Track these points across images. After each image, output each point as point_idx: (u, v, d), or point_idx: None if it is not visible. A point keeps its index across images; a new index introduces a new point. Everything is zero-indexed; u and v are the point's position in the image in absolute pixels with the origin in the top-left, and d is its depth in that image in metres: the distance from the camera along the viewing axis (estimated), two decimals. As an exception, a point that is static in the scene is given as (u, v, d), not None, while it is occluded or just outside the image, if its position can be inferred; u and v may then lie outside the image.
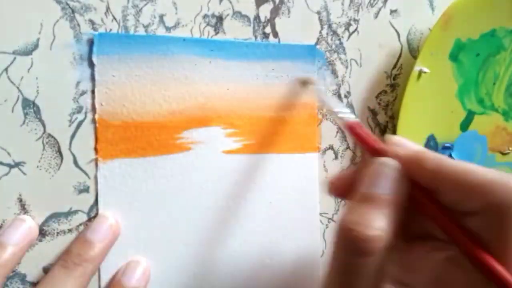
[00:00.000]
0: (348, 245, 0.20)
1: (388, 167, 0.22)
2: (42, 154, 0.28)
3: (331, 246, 0.21)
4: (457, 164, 0.21)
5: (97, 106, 0.29)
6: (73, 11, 0.28)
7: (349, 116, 0.27)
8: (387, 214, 0.21)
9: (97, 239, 0.27)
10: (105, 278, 0.29)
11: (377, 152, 0.24)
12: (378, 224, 0.20)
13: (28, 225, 0.27)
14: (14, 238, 0.26)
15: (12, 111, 0.27)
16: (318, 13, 0.35)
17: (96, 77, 0.28)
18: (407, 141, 0.24)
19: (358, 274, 0.20)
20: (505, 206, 0.19)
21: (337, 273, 0.21)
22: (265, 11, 0.33)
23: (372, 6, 0.36)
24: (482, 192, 0.20)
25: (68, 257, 0.27)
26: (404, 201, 0.22)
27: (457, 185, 0.21)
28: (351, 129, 0.26)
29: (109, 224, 0.28)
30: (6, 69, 0.27)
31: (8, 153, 0.27)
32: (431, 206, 0.22)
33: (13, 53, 0.27)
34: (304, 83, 0.33)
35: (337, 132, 0.36)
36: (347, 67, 0.36)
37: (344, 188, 0.25)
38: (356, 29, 0.36)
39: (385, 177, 0.22)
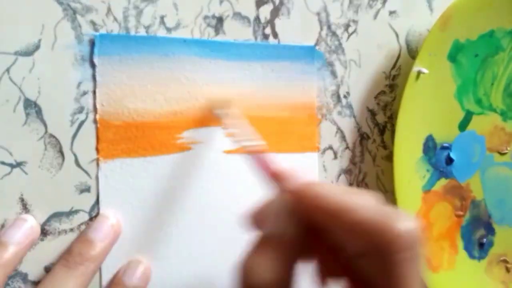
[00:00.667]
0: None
1: (274, 203, 0.21)
2: (44, 154, 0.28)
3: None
4: (339, 200, 0.19)
5: (98, 106, 0.29)
6: (74, 12, 0.28)
7: (254, 144, 0.26)
8: (274, 255, 0.20)
9: (98, 238, 0.28)
10: (106, 277, 0.29)
11: (277, 183, 0.23)
12: (264, 267, 0.19)
13: (30, 225, 0.27)
14: (16, 238, 0.26)
15: (14, 111, 0.27)
16: (318, 14, 0.35)
17: (97, 77, 0.29)
18: (296, 174, 0.22)
19: None
20: (383, 249, 0.18)
21: None
22: (265, 12, 0.33)
23: (371, 7, 0.37)
24: (360, 233, 0.19)
25: (69, 256, 0.27)
26: (294, 239, 0.20)
27: (337, 225, 0.19)
28: (255, 158, 0.26)
29: (110, 223, 0.28)
30: (7, 70, 0.27)
31: (10, 153, 0.27)
32: (317, 246, 0.21)
33: (15, 53, 0.27)
34: (217, 106, 0.31)
35: (336, 132, 0.36)
36: (346, 68, 0.36)
37: (258, 222, 0.24)
38: (355, 30, 0.36)
39: (270, 216, 0.21)
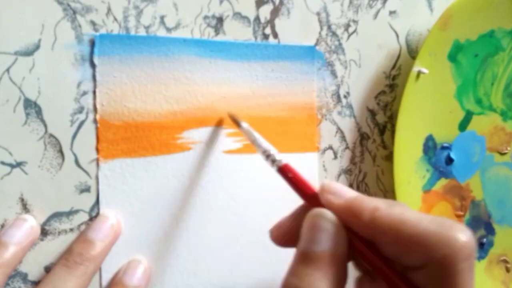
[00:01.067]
0: None
1: (324, 220, 0.21)
2: (44, 154, 0.28)
3: None
4: (394, 214, 0.19)
5: (98, 106, 0.29)
6: (74, 12, 0.28)
7: (279, 158, 0.26)
8: (328, 273, 0.19)
9: (98, 238, 0.28)
10: (106, 277, 0.29)
11: (311, 200, 0.23)
12: (318, 285, 0.19)
13: (30, 225, 0.27)
14: (16, 238, 0.26)
15: (14, 111, 0.27)
16: (318, 14, 0.35)
17: (97, 77, 0.29)
18: (341, 187, 0.22)
19: None
20: (446, 261, 0.18)
21: None
22: (265, 12, 0.33)
23: (371, 7, 0.37)
24: (420, 246, 0.18)
25: (69, 256, 0.27)
26: (345, 255, 0.20)
27: (394, 239, 0.19)
28: (282, 172, 0.25)
29: (110, 223, 0.28)
30: (7, 70, 0.27)
31: (10, 153, 0.27)
32: (372, 258, 0.20)
33: (15, 53, 0.27)
34: (235, 121, 0.31)
35: (336, 132, 0.36)
36: (346, 68, 0.36)
37: (284, 237, 0.24)
38: (355, 30, 0.36)
39: (322, 232, 0.20)
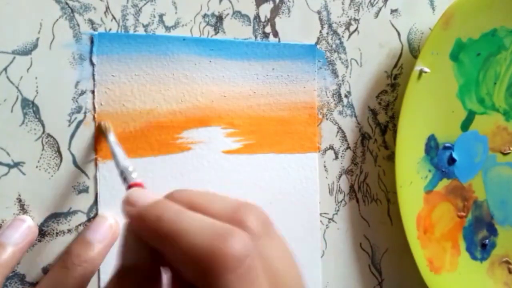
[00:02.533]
0: None
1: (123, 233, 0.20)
2: (42, 154, 0.28)
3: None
4: (173, 224, 0.18)
5: (96, 106, 0.28)
6: (72, 11, 0.28)
7: (131, 177, 0.24)
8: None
9: (97, 239, 0.27)
10: (105, 278, 0.29)
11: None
12: None
13: (28, 225, 0.27)
14: (14, 238, 0.26)
15: (11, 111, 0.27)
16: (318, 12, 0.34)
17: (96, 77, 0.28)
18: (141, 196, 0.21)
19: None
20: (213, 273, 0.17)
21: None
22: (265, 10, 0.33)
23: (372, 5, 0.36)
24: (190, 261, 0.17)
25: (67, 257, 0.27)
26: (150, 267, 0.20)
27: (171, 251, 0.18)
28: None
29: (109, 224, 0.28)
30: (5, 69, 0.27)
31: (7, 153, 0.27)
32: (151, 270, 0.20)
33: (12, 52, 0.27)
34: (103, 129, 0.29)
35: (337, 132, 0.35)
36: (347, 67, 0.36)
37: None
38: (356, 29, 0.36)
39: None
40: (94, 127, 0.29)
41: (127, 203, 0.20)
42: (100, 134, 0.29)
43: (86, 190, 0.29)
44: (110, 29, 0.29)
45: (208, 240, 0.17)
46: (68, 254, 0.27)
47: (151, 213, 0.19)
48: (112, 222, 0.28)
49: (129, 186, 0.24)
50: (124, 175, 0.25)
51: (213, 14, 0.31)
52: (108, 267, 0.29)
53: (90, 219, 0.29)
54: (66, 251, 0.28)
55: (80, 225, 0.28)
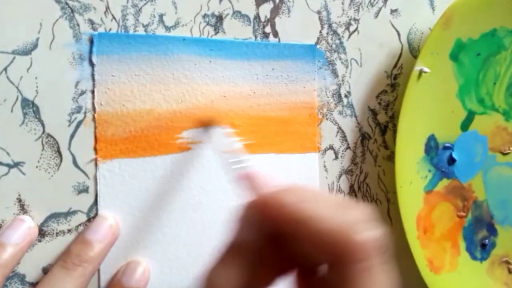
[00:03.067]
0: None
1: (241, 212, 0.21)
2: (42, 154, 0.28)
3: None
4: (302, 210, 0.19)
5: (96, 106, 0.28)
6: (72, 11, 0.28)
7: (245, 166, 0.25)
8: (236, 264, 0.19)
9: (97, 239, 0.27)
10: (105, 278, 0.29)
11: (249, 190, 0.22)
12: (226, 277, 0.19)
13: (28, 225, 0.27)
14: (14, 238, 0.26)
15: (11, 111, 0.27)
16: (318, 12, 0.34)
17: (96, 77, 0.28)
18: (270, 180, 0.22)
19: None
20: (343, 260, 0.18)
21: None
22: (265, 10, 0.33)
23: (372, 5, 0.36)
24: (323, 244, 0.18)
25: (67, 258, 0.27)
26: (258, 248, 0.20)
27: (300, 235, 0.19)
28: (244, 179, 0.24)
29: (109, 224, 0.28)
30: (5, 69, 0.27)
31: (8, 153, 0.27)
32: (272, 256, 0.20)
33: (12, 52, 0.27)
34: (206, 124, 0.31)
35: (337, 132, 0.35)
36: (347, 67, 0.36)
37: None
38: (356, 29, 0.36)
39: (241, 224, 0.21)
40: (94, 127, 0.29)
41: (254, 185, 0.22)
42: (207, 125, 0.30)
43: (86, 190, 0.29)
44: (110, 29, 0.29)
45: (340, 226, 0.18)
46: (68, 254, 0.27)
47: (281, 198, 0.19)
48: (112, 222, 0.28)
49: (243, 174, 0.24)
50: (238, 164, 0.25)
51: (213, 14, 0.31)
52: (108, 267, 0.29)
53: (90, 219, 0.29)
54: (66, 251, 0.28)
55: (80, 225, 0.28)
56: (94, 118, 0.28)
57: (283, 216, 0.19)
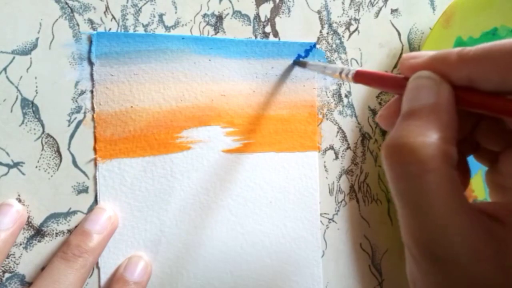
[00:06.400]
0: (397, 160, 0.18)
1: (420, 77, 0.20)
2: (41, 154, 0.28)
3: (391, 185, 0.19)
4: (481, 45, 0.18)
5: (96, 105, 0.28)
6: (72, 11, 0.28)
7: (350, 68, 0.25)
8: (431, 120, 0.18)
9: (96, 230, 0.27)
10: (105, 278, 0.29)
11: (397, 79, 0.22)
12: (424, 132, 0.18)
13: (16, 209, 0.27)
14: (4, 224, 0.26)
15: (11, 110, 0.27)
16: (319, 12, 0.34)
17: (95, 76, 0.28)
18: (421, 52, 0.21)
19: (420, 189, 0.17)
20: None
21: (401, 197, 0.18)
22: (265, 10, 0.33)
23: (372, 5, 0.36)
24: None
25: (67, 249, 0.27)
26: (449, 105, 0.19)
27: (487, 65, 0.18)
28: (360, 76, 0.24)
29: (108, 215, 0.28)
30: (5, 69, 0.27)
31: (7, 153, 0.27)
32: (480, 97, 0.19)
33: (12, 52, 0.27)
34: (301, 64, 0.32)
35: (337, 132, 0.35)
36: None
37: (392, 118, 0.22)
38: (356, 29, 0.36)
39: (421, 89, 0.19)
40: (94, 127, 0.28)
41: (412, 58, 0.21)
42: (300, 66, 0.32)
43: (85, 190, 0.29)
44: (110, 29, 0.29)
45: None
46: (67, 245, 0.27)
47: (452, 49, 0.19)
48: (111, 214, 0.28)
49: (357, 72, 0.24)
50: (344, 70, 0.25)
51: (213, 14, 0.31)
52: (109, 266, 0.29)
53: (89, 219, 0.29)
54: (65, 242, 0.27)
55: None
56: (93, 118, 0.28)
57: (464, 57, 0.18)
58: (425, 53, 0.21)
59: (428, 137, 0.17)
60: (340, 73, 0.26)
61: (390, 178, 0.18)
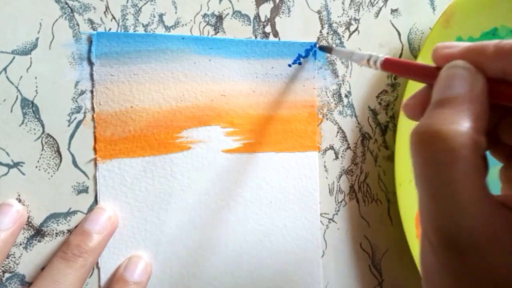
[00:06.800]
0: (427, 147, 0.18)
1: (455, 67, 0.20)
2: (41, 154, 0.28)
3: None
4: None
5: (96, 105, 0.28)
6: (72, 11, 0.28)
7: (378, 55, 0.25)
8: (463, 110, 0.18)
9: (96, 230, 0.27)
10: (105, 278, 0.29)
11: (428, 69, 0.22)
12: (457, 120, 0.17)
13: (16, 209, 0.27)
14: (4, 224, 0.26)
15: (11, 110, 0.27)
16: (319, 12, 0.34)
17: (95, 76, 0.28)
18: (454, 42, 0.21)
19: (447, 177, 0.17)
20: None
21: (427, 184, 0.18)
22: (265, 10, 0.33)
23: (372, 5, 0.36)
24: None
25: (67, 249, 0.27)
26: (482, 95, 0.19)
27: None
28: (389, 63, 0.24)
29: (108, 215, 0.28)
30: (5, 69, 0.27)
31: (7, 153, 0.27)
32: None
33: (12, 52, 0.27)
34: (327, 49, 0.32)
35: (337, 132, 0.35)
36: (347, 67, 0.36)
37: (418, 108, 0.22)
38: (356, 29, 0.36)
39: (455, 78, 0.19)
40: (94, 127, 0.28)
41: (446, 47, 0.21)
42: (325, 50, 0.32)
43: (85, 190, 0.29)
44: (110, 29, 0.29)
45: None
46: (67, 245, 0.27)
47: (489, 42, 0.19)
48: (111, 214, 0.28)
49: (383, 62, 0.25)
50: (372, 59, 0.26)
51: (213, 14, 0.31)
52: (109, 266, 0.29)
53: (89, 219, 0.29)
54: (65, 242, 0.27)
55: (79, 225, 0.28)
56: (93, 118, 0.28)
57: (501, 49, 0.18)
58: (461, 44, 0.21)
59: (461, 126, 0.17)
60: (368, 60, 0.26)
61: (418, 164, 0.18)
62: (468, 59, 0.20)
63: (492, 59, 0.19)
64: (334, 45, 0.33)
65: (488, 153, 0.23)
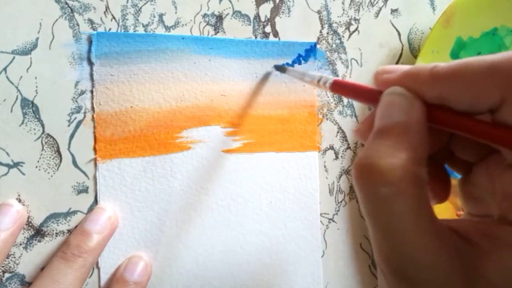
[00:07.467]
0: (366, 182, 0.17)
1: (392, 94, 0.19)
2: (41, 154, 0.28)
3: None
4: (454, 63, 0.18)
5: (95, 105, 0.28)
6: (72, 11, 0.28)
7: (328, 77, 0.25)
8: (401, 140, 0.18)
9: (96, 230, 0.27)
10: (105, 278, 0.29)
11: (372, 92, 0.21)
12: (394, 153, 0.17)
13: (16, 209, 0.27)
14: (4, 224, 0.26)
15: (11, 110, 0.27)
16: (319, 12, 0.34)
17: (95, 76, 0.28)
18: (396, 66, 0.21)
19: (389, 211, 0.17)
20: None
21: (371, 218, 0.18)
22: (265, 10, 0.33)
23: (372, 5, 0.36)
24: (493, 77, 0.17)
25: (67, 249, 0.27)
26: (420, 123, 0.19)
27: (462, 83, 0.18)
28: (337, 85, 0.24)
29: (108, 215, 0.28)
30: (5, 69, 0.27)
31: (7, 153, 0.27)
32: (450, 116, 0.19)
33: (12, 52, 0.27)
34: (282, 69, 0.32)
35: (337, 132, 0.35)
36: (347, 67, 0.36)
37: (368, 132, 0.22)
38: (356, 29, 0.36)
39: (391, 106, 0.19)
40: (94, 127, 0.28)
41: (385, 72, 0.20)
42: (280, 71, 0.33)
43: (85, 190, 0.29)
44: (110, 29, 0.29)
45: (501, 57, 0.17)
46: (67, 245, 0.27)
47: (425, 66, 0.19)
48: (111, 214, 0.28)
49: (332, 84, 0.24)
50: (322, 79, 0.26)
51: (213, 14, 0.31)
52: (109, 266, 0.29)
53: (89, 219, 0.29)
54: (65, 242, 0.28)
55: (79, 225, 0.28)
56: (93, 118, 0.28)
57: (436, 76, 0.18)
58: (399, 68, 0.20)
59: (397, 159, 0.17)
60: (318, 81, 0.26)
61: (360, 198, 0.18)
62: (405, 85, 0.20)
63: (428, 85, 0.19)
64: (287, 66, 0.32)
65: (446, 166, 0.23)
